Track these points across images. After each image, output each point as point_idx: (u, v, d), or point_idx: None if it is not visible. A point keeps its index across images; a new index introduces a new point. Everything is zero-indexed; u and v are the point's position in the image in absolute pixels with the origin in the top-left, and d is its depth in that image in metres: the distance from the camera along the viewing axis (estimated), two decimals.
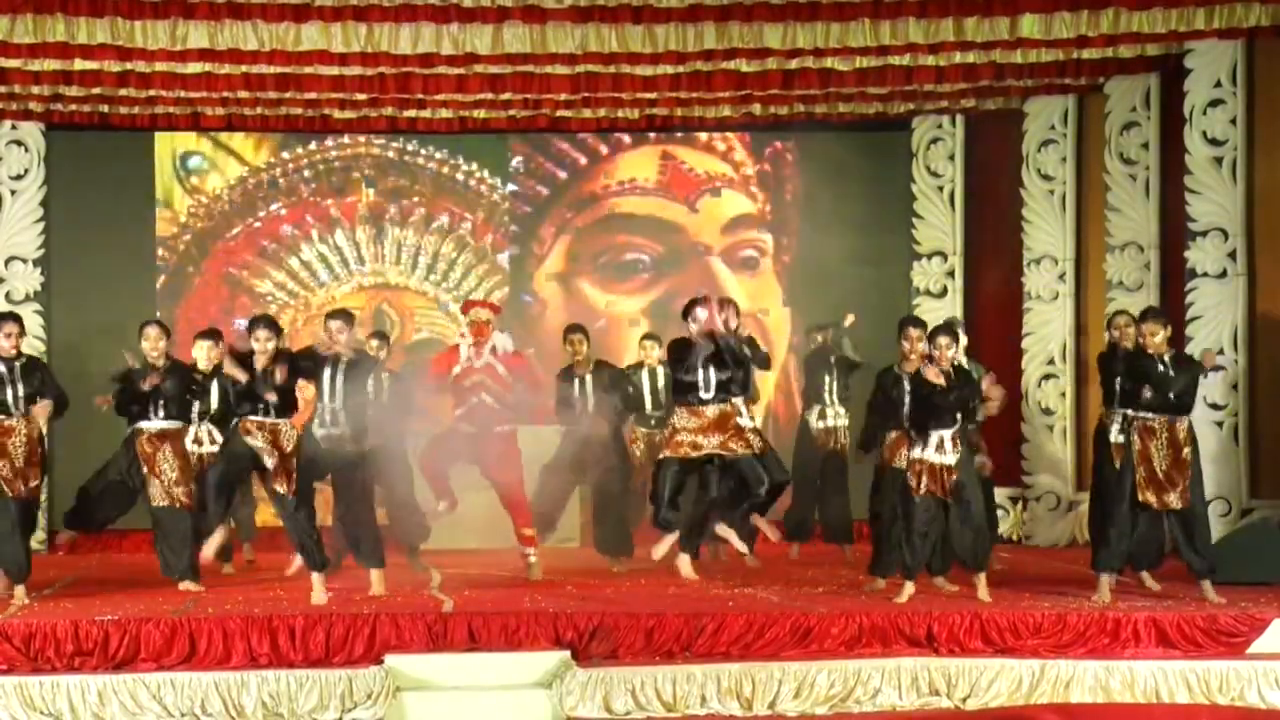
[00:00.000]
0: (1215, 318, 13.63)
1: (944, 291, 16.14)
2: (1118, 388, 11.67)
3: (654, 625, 10.29)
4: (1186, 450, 11.16)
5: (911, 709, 10.03)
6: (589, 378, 13.26)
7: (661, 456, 11.73)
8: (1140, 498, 11.10)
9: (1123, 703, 10.12)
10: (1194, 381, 11.27)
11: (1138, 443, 11.18)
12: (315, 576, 11.22)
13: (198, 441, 12.65)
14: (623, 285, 16.67)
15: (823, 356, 14.01)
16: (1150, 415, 11.18)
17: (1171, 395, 11.12)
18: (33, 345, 15.33)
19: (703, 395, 11.54)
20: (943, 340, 11.28)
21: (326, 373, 11.83)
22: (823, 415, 13.95)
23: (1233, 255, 13.65)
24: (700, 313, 11.56)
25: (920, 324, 12.11)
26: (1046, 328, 15.50)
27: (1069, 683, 10.14)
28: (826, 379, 13.92)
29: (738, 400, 11.58)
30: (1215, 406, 13.60)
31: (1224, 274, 13.67)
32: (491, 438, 12.23)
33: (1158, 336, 11.24)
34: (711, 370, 11.49)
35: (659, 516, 11.64)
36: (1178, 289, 14.02)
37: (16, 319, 11.65)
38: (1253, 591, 11.39)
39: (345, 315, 12.07)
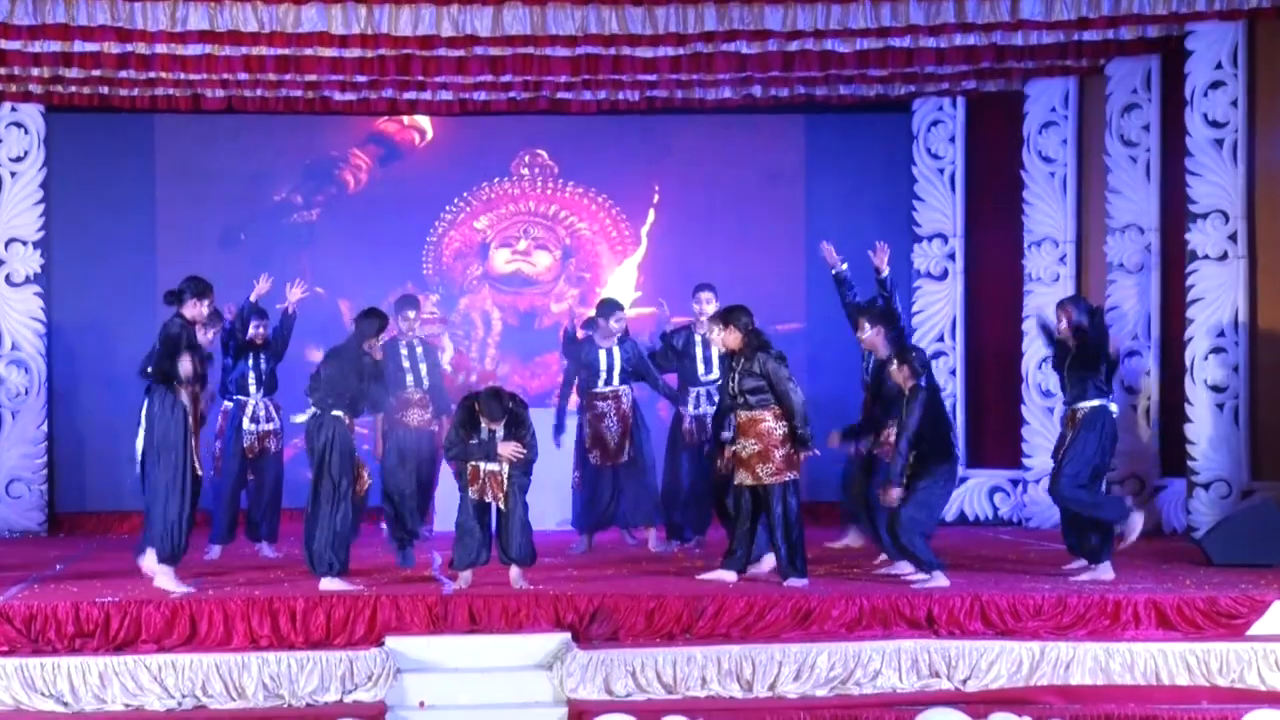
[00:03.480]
0: (1216, 300, 13.63)
1: (944, 274, 16.13)
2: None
3: (654, 607, 10.30)
4: (1071, 433, 11.41)
5: (912, 690, 10.03)
6: (615, 350, 13.28)
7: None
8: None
9: (1123, 684, 10.12)
10: (1085, 371, 11.37)
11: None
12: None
13: (254, 419, 12.68)
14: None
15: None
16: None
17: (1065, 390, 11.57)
18: (32, 327, 15.37)
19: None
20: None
21: (405, 359, 11.93)
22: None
23: (1233, 237, 13.64)
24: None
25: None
26: (1047, 310, 15.46)
27: (1069, 664, 10.14)
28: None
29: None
30: (1216, 389, 13.61)
31: (1225, 256, 13.66)
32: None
33: (1061, 324, 11.53)
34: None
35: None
36: (1179, 271, 14.02)
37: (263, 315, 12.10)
38: (1253, 573, 11.41)
39: (416, 301, 12.57)
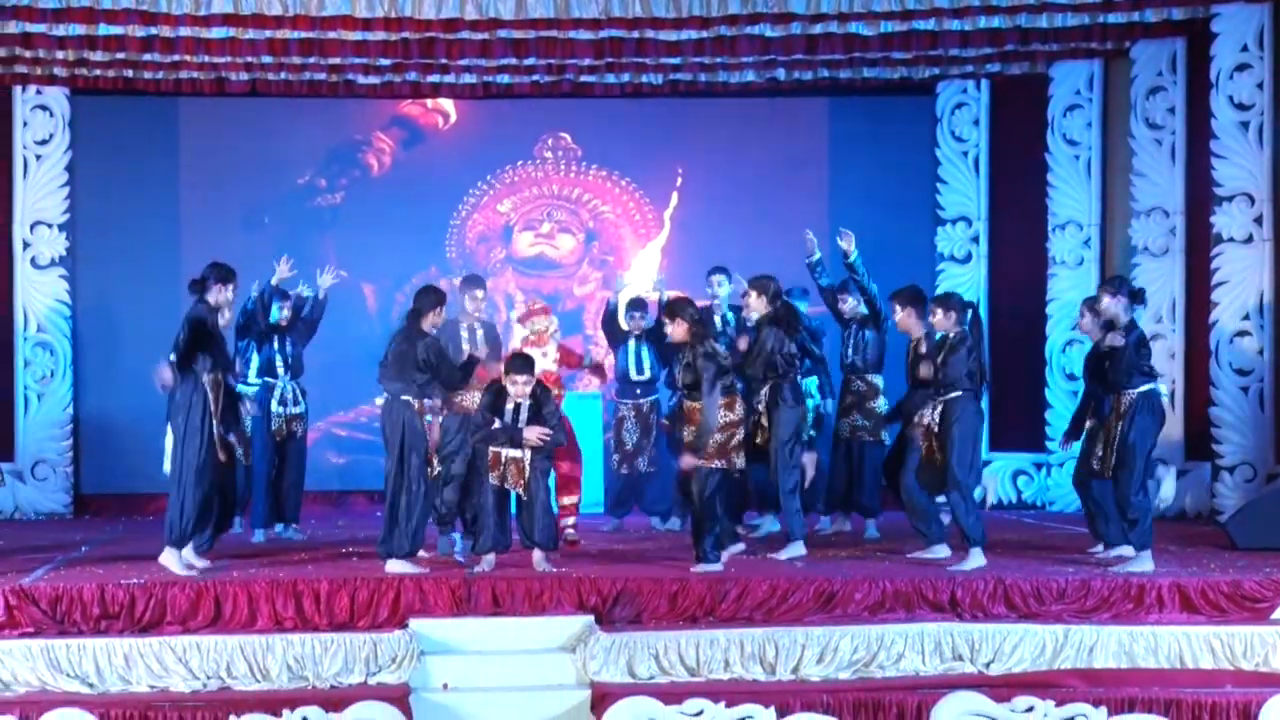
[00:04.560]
0: (1241, 283, 13.60)
1: (968, 257, 16.09)
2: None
3: (677, 590, 10.30)
4: (1120, 424, 11.01)
5: (935, 674, 10.03)
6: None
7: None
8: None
9: (1147, 668, 10.10)
10: (1117, 364, 11.02)
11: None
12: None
13: (283, 403, 12.69)
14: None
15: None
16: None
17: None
18: (57, 309, 15.42)
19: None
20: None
21: (465, 341, 11.87)
22: None
23: (1259, 220, 13.61)
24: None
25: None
26: (1071, 293, 15.45)
27: (1093, 648, 10.12)
28: None
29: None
30: (1241, 372, 13.59)
31: (1250, 239, 13.64)
32: None
33: (1096, 318, 11.34)
34: None
35: None
36: (1203, 254, 13.99)
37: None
38: (1277, 557, 11.37)
39: (481, 281, 12.37)
